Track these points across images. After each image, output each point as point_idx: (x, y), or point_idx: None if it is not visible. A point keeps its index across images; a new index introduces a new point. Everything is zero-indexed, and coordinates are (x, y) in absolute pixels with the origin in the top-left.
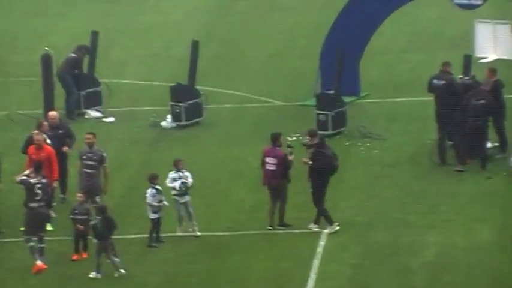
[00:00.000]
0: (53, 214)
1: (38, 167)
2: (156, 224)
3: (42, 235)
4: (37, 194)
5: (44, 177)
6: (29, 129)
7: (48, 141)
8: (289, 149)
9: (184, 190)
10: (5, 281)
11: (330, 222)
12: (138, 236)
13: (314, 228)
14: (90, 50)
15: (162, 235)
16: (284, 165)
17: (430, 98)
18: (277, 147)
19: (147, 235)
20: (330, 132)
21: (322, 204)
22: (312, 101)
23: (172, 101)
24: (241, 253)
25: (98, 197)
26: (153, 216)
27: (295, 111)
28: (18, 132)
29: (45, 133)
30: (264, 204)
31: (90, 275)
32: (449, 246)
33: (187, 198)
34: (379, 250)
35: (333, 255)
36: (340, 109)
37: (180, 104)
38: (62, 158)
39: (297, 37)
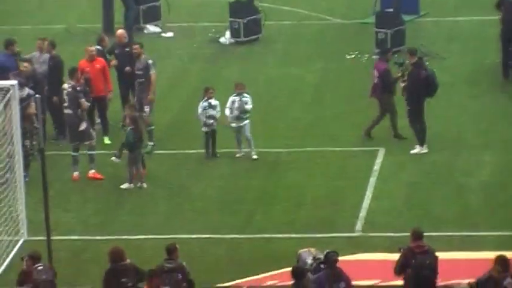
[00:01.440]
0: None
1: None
2: (209, 137)
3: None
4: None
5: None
6: (87, 42)
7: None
8: (399, 64)
9: (242, 115)
10: (65, 192)
11: (422, 143)
12: (195, 151)
13: (422, 150)
14: None
15: (218, 151)
16: (384, 78)
17: (490, 17)
18: (383, 61)
19: (202, 150)
20: None
21: (419, 123)
22: (371, 19)
23: (231, 17)
24: (297, 170)
25: (146, 106)
26: (204, 129)
27: (354, 29)
28: (77, 45)
29: (111, 51)
30: (319, 121)
31: (122, 186)
32: (506, 166)
33: (245, 122)
34: (435, 169)
35: (389, 174)
36: (399, 27)
37: (239, 20)
38: (126, 76)
39: None
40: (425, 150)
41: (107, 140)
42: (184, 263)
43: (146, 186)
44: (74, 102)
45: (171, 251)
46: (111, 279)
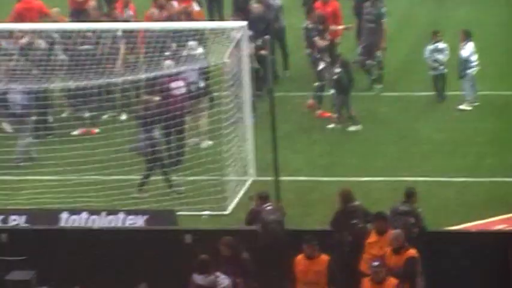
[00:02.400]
0: None
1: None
2: (438, 80)
3: None
4: None
5: None
6: None
7: None
8: None
9: (438, 64)
10: (293, 133)
11: None
12: (423, 93)
13: None
14: None
15: (446, 93)
16: None
17: None
18: None
19: (431, 93)
20: None
21: None
22: None
23: None
24: None
25: (378, 51)
26: (432, 72)
27: None
28: None
29: None
30: None
31: (329, 126)
32: None
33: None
34: None
35: None
36: None
37: None
38: None
39: None
40: None
41: None
42: (420, 209)
43: (355, 129)
44: (309, 42)
45: (409, 194)
46: (342, 220)
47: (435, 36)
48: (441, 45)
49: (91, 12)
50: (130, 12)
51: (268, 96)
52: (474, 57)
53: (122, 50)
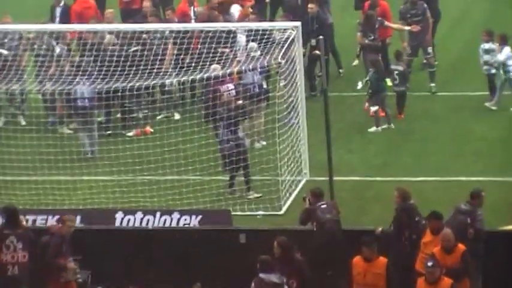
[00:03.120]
0: None
1: None
2: (490, 80)
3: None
4: None
5: None
6: None
7: None
8: None
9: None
10: (347, 133)
11: None
12: (476, 93)
13: None
14: None
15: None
16: None
17: None
18: None
19: (484, 92)
20: None
21: None
22: None
23: None
24: None
25: (429, 48)
26: (484, 72)
27: None
28: None
29: None
30: None
31: (371, 130)
32: None
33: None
34: None
35: None
36: None
37: None
38: None
39: None
40: None
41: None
42: (480, 211)
43: (394, 127)
44: None
45: (473, 195)
46: (405, 217)
47: (486, 36)
48: (490, 45)
49: (147, 12)
50: (197, 9)
51: (323, 96)
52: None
53: (170, 50)
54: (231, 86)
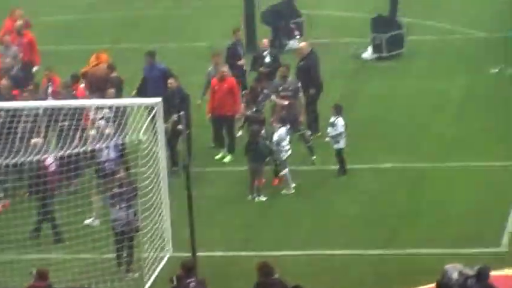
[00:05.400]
0: None
1: None
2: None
3: None
4: None
5: None
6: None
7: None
8: None
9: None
10: (209, 208)
11: None
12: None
13: None
14: None
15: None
16: None
17: None
18: None
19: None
20: None
21: None
22: None
23: (373, 32)
24: (441, 185)
25: (302, 127)
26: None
27: (498, 42)
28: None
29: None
30: (464, 136)
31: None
32: None
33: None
34: None
35: None
36: None
37: (382, 35)
38: None
39: None
40: None
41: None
42: None
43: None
44: None
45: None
46: None
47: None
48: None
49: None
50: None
51: (184, 172)
52: None
53: None
54: (51, 160)
